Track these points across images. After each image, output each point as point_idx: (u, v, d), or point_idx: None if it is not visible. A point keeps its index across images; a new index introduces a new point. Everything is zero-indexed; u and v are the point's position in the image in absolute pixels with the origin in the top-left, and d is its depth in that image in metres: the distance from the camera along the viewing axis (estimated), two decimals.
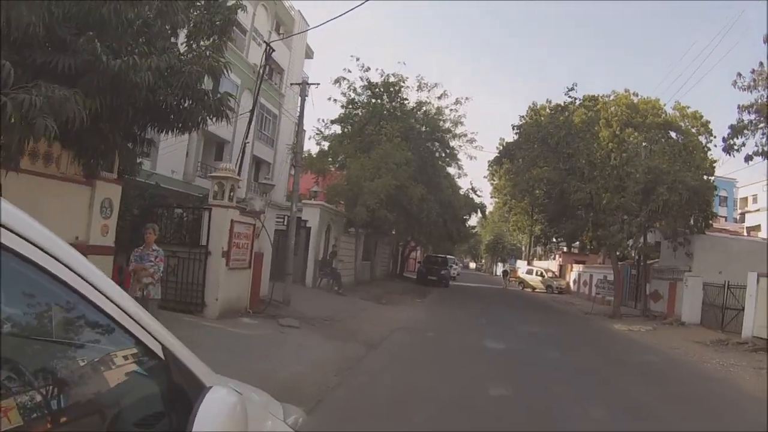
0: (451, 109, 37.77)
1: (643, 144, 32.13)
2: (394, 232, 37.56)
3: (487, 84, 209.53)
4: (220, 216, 15.90)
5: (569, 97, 36.90)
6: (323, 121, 35.86)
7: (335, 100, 36.57)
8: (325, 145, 34.78)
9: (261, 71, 22.46)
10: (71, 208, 10.84)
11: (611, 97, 34.48)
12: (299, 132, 20.45)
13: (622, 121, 32.42)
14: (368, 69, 36.13)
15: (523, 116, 42.05)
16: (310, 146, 35.99)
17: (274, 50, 22.20)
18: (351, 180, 27.94)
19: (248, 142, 22.67)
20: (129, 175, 20.08)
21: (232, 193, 16.32)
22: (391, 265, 48.47)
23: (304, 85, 21.06)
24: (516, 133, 39.69)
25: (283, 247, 19.90)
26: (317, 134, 36.96)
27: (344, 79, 35.48)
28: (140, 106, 9.70)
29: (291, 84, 26.91)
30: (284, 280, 19.40)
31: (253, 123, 34.62)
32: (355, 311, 20.88)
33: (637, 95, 33.85)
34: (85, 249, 10.91)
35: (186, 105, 10.20)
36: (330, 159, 32.45)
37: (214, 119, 10.88)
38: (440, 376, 11.78)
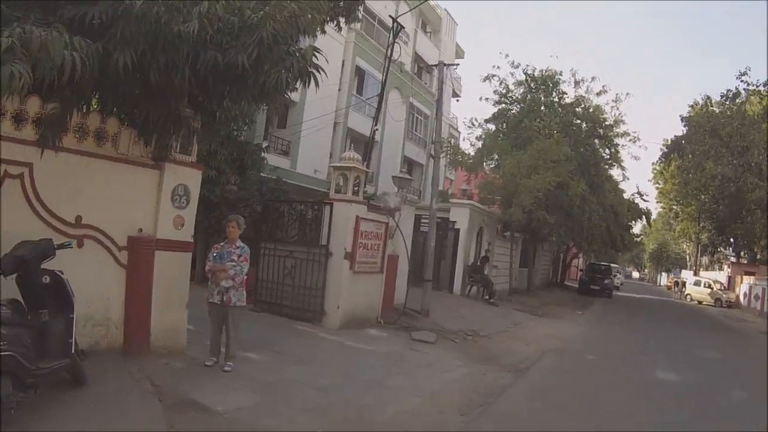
0: (611, 107, 33.66)
1: None
2: (553, 238, 33.82)
3: (648, 80, 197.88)
4: (342, 212, 13.39)
5: (742, 81, 32.44)
6: (475, 120, 32.63)
7: (487, 98, 33.50)
8: (478, 144, 31.44)
9: (389, 51, 19.65)
10: (132, 195, 8.63)
11: None
12: (438, 117, 17.43)
13: None
14: (518, 65, 32.80)
15: (692, 105, 37.77)
16: (464, 147, 32.48)
17: (402, 26, 19.48)
18: (506, 177, 24.56)
19: (377, 129, 19.96)
20: (251, 171, 18.19)
21: (357, 186, 13.70)
22: (552, 273, 44.59)
23: (441, 66, 18.04)
24: (684, 126, 35.49)
25: (428, 251, 16.83)
26: (469, 127, 33.81)
27: (494, 76, 32.40)
28: (200, 68, 7.13)
29: (429, 65, 23.88)
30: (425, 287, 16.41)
31: (383, 111, 32.92)
32: (505, 325, 17.62)
33: None
34: (152, 244, 8.70)
35: (265, 68, 7.48)
36: (484, 156, 29.09)
37: (299, 84, 8.16)
38: (602, 425, 8.40)
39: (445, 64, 18.43)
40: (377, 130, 19.85)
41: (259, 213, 15.27)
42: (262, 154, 18.82)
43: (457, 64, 23.95)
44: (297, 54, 7.73)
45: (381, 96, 20.18)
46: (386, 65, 19.64)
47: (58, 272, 6.52)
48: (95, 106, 8.26)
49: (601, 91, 32.94)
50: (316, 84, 8.10)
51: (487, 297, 22.06)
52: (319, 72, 8.11)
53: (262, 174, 18.60)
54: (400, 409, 7.79)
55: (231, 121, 9.89)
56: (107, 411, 6.32)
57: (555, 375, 11.66)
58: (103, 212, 8.19)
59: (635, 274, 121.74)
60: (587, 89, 32.78)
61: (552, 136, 27.84)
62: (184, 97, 7.74)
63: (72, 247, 7.03)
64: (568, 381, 11.28)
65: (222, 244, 8.84)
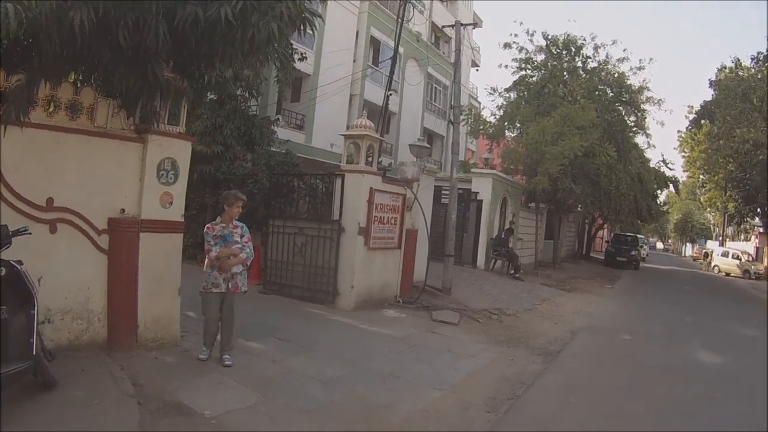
0: (633, 73, 31.98)
1: None
2: (579, 208, 32.52)
3: (671, 41, 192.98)
4: (354, 183, 12.27)
5: None
6: (495, 89, 31.18)
7: (506, 66, 32.14)
8: (499, 113, 30.00)
9: (401, 11, 18.47)
10: (112, 172, 7.63)
11: None
12: (456, 80, 16.12)
13: None
14: (533, 33, 31.21)
15: (721, 68, 36.15)
16: (485, 116, 31.07)
17: None
18: (530, 144, 23.25)
19: (390, 94, 18.79)
20: (260, 146, 17.11)
21: (370, 156, 12.56)
22: (577, 245, 43.19)
23: (458, 26, 16.71)
24: (714, 90, 33.93)
25: (449, 224, 15.58)
26: (490, 94, 32.32)
27: (514, 42, 30.75)
28: (178, 25, 6.03)
29: (443, 26, 22.61)
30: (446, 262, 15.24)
31: (400, 81, 31.89)
32: (531, 301, 16.38)
33: None
34: (136, 225, 7.72)
35: (252, 19, 6.35)
36: (506, 124, 27.70)
37: (294, 33, 7.05)
38: (647, 419, 7.26)
39: (462, 24, 17.06)
40: (391, 95, 18.71)
41: (268, 189, 14.19)
42: (273, 128, 17.71)
43: (474, 24, 22.60)
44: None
45: (393, 60, 18.91)
46: (398, 29, 18.37)
47: (14, 263, 5.62)
48: (74, 79, 7.33)
49: (622, 57, 31.52)
50: (312, 28, 6.97)
51: (512, 271, 20.83)
52: (314, 17, 6.92)
53: (272, 149, 17.53)
54: (417, 407, 6.70)
55: (222, 85, 8.71)
56: (72, 420, 5.33)
57: (589, 359, 10.43)
58: (79, 193, 7.26)
59: (659, 245, 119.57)
60: (607, 55, 31.26)
61: (577, 101, 26.41)
62: (162, 59, 6.61)
63: (30, 233, 6.00)
64: (604, 366, 10.03)
65: (219, 224, 7.71)
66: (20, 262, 5.66)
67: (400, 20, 18.49)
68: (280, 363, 7.93)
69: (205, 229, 7.57)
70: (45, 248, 6.83)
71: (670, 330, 14.46)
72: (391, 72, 18.76)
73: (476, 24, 22.52)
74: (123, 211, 7.64)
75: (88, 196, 7.33)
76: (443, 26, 22.13)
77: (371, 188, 12.30)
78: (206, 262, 7.57)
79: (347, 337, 9.83)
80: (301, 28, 6.87)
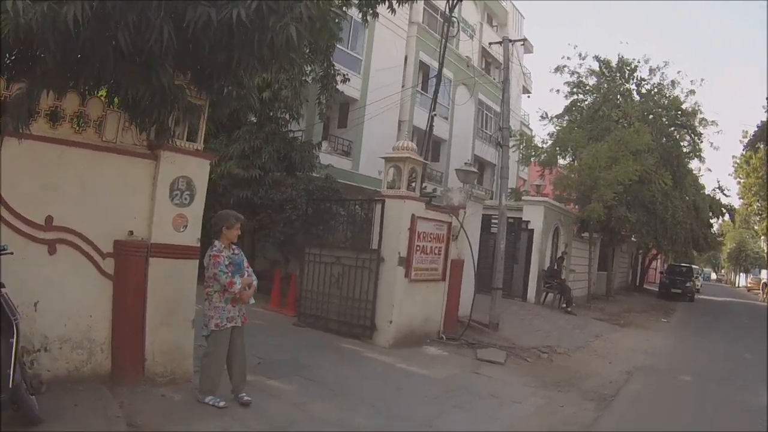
0: (686, 95, 30.43)
1: None
2: (633, 238, 30.96)
3: (720, 58, 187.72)
4: (395, 210, 11.28)
5: None
6: (546, 114, 30.00)
7: (558, 90, 31.04)
8: (550, 141, 28.81)
9: (446, 28, 17.54)
10: (121, 191, 6.87)
11: None
12: (504, 99, 15.02)
13: None
14: (585, 56, 30.12)
15: None
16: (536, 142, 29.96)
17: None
18: (583, 170, 22.00)
19: (434, 114, 17.72)
20: (301, 171, 16.26)
21: (413, 182, 11.62)
22: (630, 276, 41.33)
23: (506, 42, 15.71)
24: None
25: (498, 255, 14.45)
26: (541, 119, 31.06)
27: (565, 66, 29.71)
28: (187, 27, 5.23)
29: (491, 44, 21.63)
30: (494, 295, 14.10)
31: (450, 108, 31.08)
32: (584, 337, 15.08)
33: None
34: (145, 249, 6.90)
35: (270, 22, 5.50)
36: (558, 149, 26.46)
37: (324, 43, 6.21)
38: None
39: (510, 41, 16.06)
40: (435, 115, 17.63)
41: (309, 215, 13.30)
42: (314, 152, 16.87)
43: (523, 40, 21.55)
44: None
45: (438, 79, 17.92)
46: (442, 48, 17.46)
47: None
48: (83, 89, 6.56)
49: (674, 80, 30.05)
50: (335, 37, 6.12)
51: (564, 305, 19.53)
52: (341, 21, 6.04)
53: (314, 174, 16.67)
54: None
55: (244, 98, 7.83)
56: None
57: (647, 405, 9.16)
58: (82, 212, 6.52)
59: (713, 276, 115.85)
60: (662, 76, 29.91)
61: (632, 125, 25.14)
62: (169, 65, 5.76)
63: (10, 253, 5.20)
64: (663, 413, 8.75)
65: (221, 250, 6.64)
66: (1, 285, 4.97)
67: (444, 38, 17.52)
68: (301, 407, 6.95)
69: (212, 258, 6.52)
70: (42, 270, 6.18)
71: (732, 369, 13.08)
72: (436, 92, 17.81)
73: (525, 40, 21.48)
74: (131, 233, 6.86)
75: (93, 216, 6.59)
76: (491, 43, 21.21)
77: (413, 215, 11.30)
78: (215, 296, 6.57)
79: (381, 378, 8.80)
80: (328, 36, 6.03)
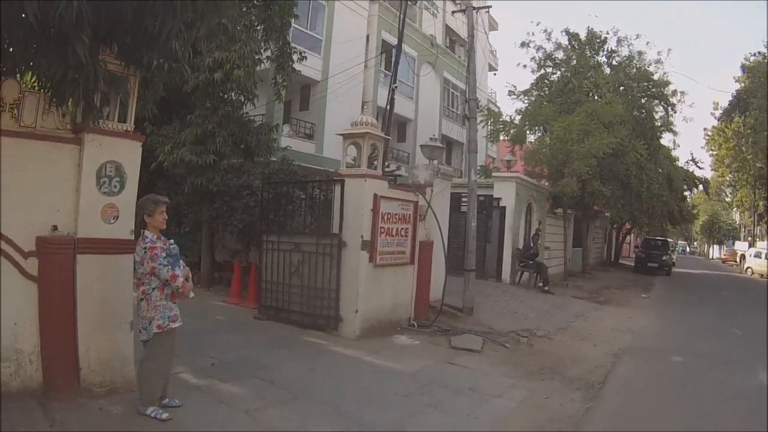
0: (653, 66, 30.21)
1: None
2: (607, 213, 30.59)
3: (690, 31, 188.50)
4: (356, 190, 10.59)
5: None
6: (514, 87, 29.50)
7: (524, 66, 30.63)
8: (518, 118, 28.26)
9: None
10: (42, 181, 6.18)
11: None
12: (470, 69, 14.27)
13: None
14: (551, 32, 30.24)
15: (755, 54, 34.25)
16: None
17: None
18: (555, 144, 21.49)
19: (395, 87, 17.09)
20: (259, 155, 15.55)
21: (375, 160, 10.94)
22: (606, 252, 41.15)
23: (470, 11, 14.98)
24: (747, 78, 31.97)
25: (469, 234, 13.79)
26: (509, 94, 30.49)
27: (531, 42, 29.60)
28: None
29: (453, 12, 20.95)
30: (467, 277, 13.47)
31: (415, 86, 30.52)
32: (564, 318, 14.50)
33: None
34: (71, 245, 6.22)
35: None
36: (528, 124, 25.87)
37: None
38: None
39: (474, 8, 15.35)
40: (396, 87, 16.97)
41: (266, 200, 12.59)
42: (273, 135, 16.10)
43: (488, 8, 20.76)
44: None
45: (399, 49, 17.26)
46: (402, 13, 16.94)
47: None
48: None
49: (642, 51, 29.77)
50: (289, 13, 5.53)
51: (540, 284, 19.02)
52: None
53: (273, 158, 15.93)
54: None
55: (177, 71, 7.04)
56: None
57: (638, 392, 8.56)
58: None
59: (687, 249, 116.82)
60: (630, 49, 29.62)
61: (603, 96, 24.72)
62: (86, 37, 5.04)
63: None
64: (658, 400, 8.18)
65: (155, 240, 5.90)
66: None
67: (402, 16, 16.87)
68: (254, 414, 6.25)
69: (148, 251, 5.76)
70: None
71: (723, 346, 12.65)
72: (395, 63, 17.18)
73: (490, 8, 20.78)
74: (55, 228, 6.16)
75: (10, 211, 5.88)
76: (454, 11, 20.37)
77: (376, 195, 10.62)
78: (153, 293, 5.85)
79: (347, 376, 8.10)
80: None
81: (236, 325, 11.05)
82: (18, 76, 6.03)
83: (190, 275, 6.19)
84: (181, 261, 6.11)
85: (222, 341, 9.52)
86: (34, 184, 6.07)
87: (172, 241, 6.09)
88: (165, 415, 5.82)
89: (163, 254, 5.82)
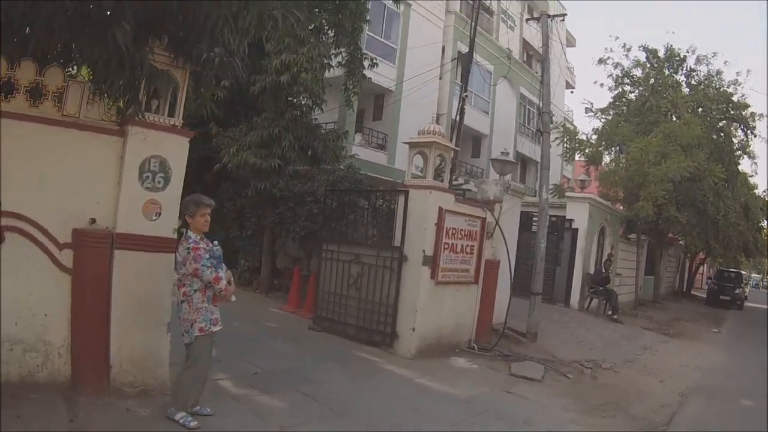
0: (728, 86, 28.31)
1: None
2: (681, 241, 29.12)
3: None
4: (420, 202, 9.98)
5: None
6: (591, 104, 28.39)
7: (601, 84, 29.49)
8: (594, 138, 27.20)
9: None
10: (82, 172, 5.90)
11: None
12: (545, 80, 13.43)
13: None
14: (630, 48, 28.75)
15: None
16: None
17: None
18: (631, 165, 20.41)
19: (466, 96, 16.43)
20: (326, 162, 15.10)
21: (443, 172, 10.32)
22: (677, 281, 39.29)
23: (545, 18, 14.22)
24: None
25: (538, 255, 12.98)
26: (586, 111, 29.33)
27: (609, 58, 28.31)
28: None
29: (527, 20, 20.19)
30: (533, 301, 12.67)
31: (491, 101, 29.91)
32: (632, 350, 13.51)
33: None
34: (109, 239, 5.90)
35: None
36: (604, 144, 24.83)
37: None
38: None
39: (549, 16, 14.56)
40: (466, 96, 16.34)
41: (329, 208, 12.10)
42: (341, 142, 15.64)
43: (563, 15, 19.86)
44: None
45: (470, 56, 17.09)
46: (473, 24, 16.85)
47: None
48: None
49: (719, 71, 28.20)
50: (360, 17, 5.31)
51: (610, 312, 17.99)
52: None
53: (341, 167, 15.46)
54: None
55: (228, 65, 6.52)
56: None
57: None
58: (35, 196, 5.62)
59: (760, 283, 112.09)
60: (709, 66, 28.12)
61: (681, 117, 23.53)
62: (127, 23, 4.69)
63: None
64: None
65: (198, 241, 5.49)
66: None
67: (473, 23, 16.30)
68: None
69: (192, 252, 5.35)
70: None
71: None
72: (466, 73, 16.83)
73: (565, 15, 19.99)
74: (93, 221, 5.84)
75: (48, 201, 5.65)
76: (528, 19, 19.73)
77: (441, 208, 9.99)
78: (195, 295, 5.43)
79: (395, 397, 7.51)
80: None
81: (288, 334, 10.58)
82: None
83: (233, 279, 5.71)
84: (223, 264, 5.63)
85: (270, 350, 9.10)
86: (74, 175, 5.81)
87: (216, 242, 5.63)
88: (193, 423, 5.41)
89: (207, 255, 5.39)
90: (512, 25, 33.03)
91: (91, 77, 5.72)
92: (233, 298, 5.64)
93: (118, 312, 5.89)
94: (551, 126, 14.07)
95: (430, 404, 7.38)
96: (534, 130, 33.37)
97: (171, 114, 6.32)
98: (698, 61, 27.97)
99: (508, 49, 30.31)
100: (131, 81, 5.47)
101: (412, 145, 10.51)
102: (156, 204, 6.07)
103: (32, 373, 5.64)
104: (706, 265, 49.42)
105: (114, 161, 5.95)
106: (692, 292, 41.59)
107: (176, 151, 6.28)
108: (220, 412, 5.82)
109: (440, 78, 26.73)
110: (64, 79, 5.78)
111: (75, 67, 6.39)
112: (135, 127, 5.93)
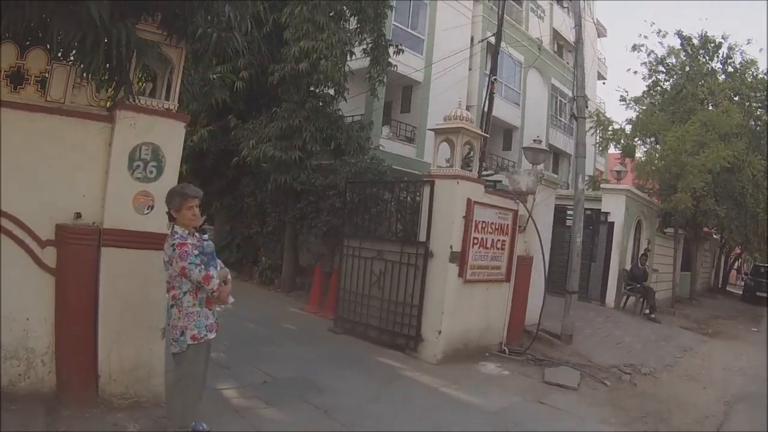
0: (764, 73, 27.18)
1: None
2: (715, 235, 27.90)
3: None
4: (446, 192, 9.21)
5: None
6: (626, 92, 27.39)
7: (635, 72, 28.52)
8: (628, 128, 26.18)
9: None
10: (66, 162, 5.33)
11: None
12: (578, 63, 12.55)
13: None
14: (665, 34, 28.14)
15: None
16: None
17: None
18: (667, 155, 19.44)
19: (495, 79, 15.48)
20: (350, 154, 14.38)
21: (471, 162, 9.54)
22: (713, 277, 37.93)
23: (576, 1, 13.39)
24: None
25: (573, 251, 12.18)
26: (620, 100, 28.34)
27: (642, 45, 27.28)
28: None
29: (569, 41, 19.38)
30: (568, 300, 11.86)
31: (521, 91, 29.03)
32: (671, 352, 12.57)
33: None
34: (95, 236, 5.31)
35: None
36: (639, 133, 23.93)
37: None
38: None
39: None
40: (495, 80, 15.47)
41: (350, 202, 11.39)
42: (366, 133, 14.95)
43: None
44: None
45: (498, 40, 16.13)
46: (500, 11, 16.16)
47: None
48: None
49: (752, 60, 27.00)
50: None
51: (647, 311, 17.05)
52: None
53: (366, 159, 14.75)
54: None
55: (226, 41, 5.82)
56: None
57: None
58: (13, 188, 5.01)
59: None
60: (743, 55, 26.92)
61: (719, 105, 22.39)
62: None
63: None
64: None
65: (186, 237, 4.71)
66: None
67: (501, 11, 15.83)
68: None
69: (177, 249, 4.59)
70: None
71: None
72: (495, 56, 16.23)
73: None
74: (78, 215, 5.23)
75: (28, 194, 5.10)
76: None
77: (469, 199, 9.23)
78: (185, 298, 4.69)
79: (416, 409, 6.77)
80: None
81: (307, 337, 9.91)
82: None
83: (229, 277, 4.97)
84: (218, 261, 4.92)
85: (284, 354, 8.46)
86: (58, 165, 5.23)
87: (206, 236, 4.90)
88: None
89: (195, 252, 4.64)
90: (541, 14, 32.14)
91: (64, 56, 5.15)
92: (231, 300, 4.91)
93: (106, 316, 5.30)
94: (585, 109, 13.18)
95: (454, 418, 6.64)
96: (566, 123, 32.53)
97: (168, 98, 5.67)
98: (731, 48, 26.91)
99: (539, 38, 29.51)
100: (119, 61, 4.84)
101: (438, 132, 9.75)
102: (148, 196, 5.43)
103: (13, 383, 5.10)
104: (740, 260, 48.05)
105: (102, 150, 5.34)
106: (727, 288, 40.39)
107: (170, 137, 5.63)
108: (217, 426, 5.20)
109: (470, 69, 25.97)
110: (48, 62, 5.21)
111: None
112: (123, 111, 5.30)
